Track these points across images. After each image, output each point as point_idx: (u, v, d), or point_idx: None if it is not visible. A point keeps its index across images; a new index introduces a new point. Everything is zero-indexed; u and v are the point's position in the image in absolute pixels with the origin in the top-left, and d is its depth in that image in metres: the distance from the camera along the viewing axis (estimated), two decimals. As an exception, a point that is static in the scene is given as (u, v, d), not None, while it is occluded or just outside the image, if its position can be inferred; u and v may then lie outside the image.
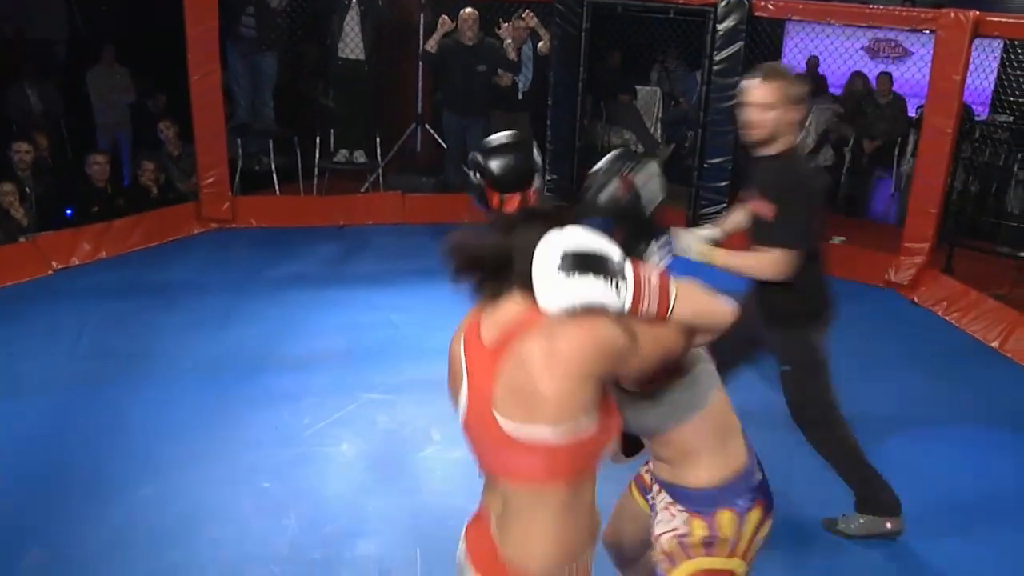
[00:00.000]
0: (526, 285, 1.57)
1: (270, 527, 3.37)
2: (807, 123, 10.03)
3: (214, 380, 4.49)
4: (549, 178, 7.65)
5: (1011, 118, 9.41)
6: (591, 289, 1.54)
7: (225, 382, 4.48)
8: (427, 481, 3.76)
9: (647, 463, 2.28)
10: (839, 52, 10.41)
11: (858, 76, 10.03)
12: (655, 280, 1.62)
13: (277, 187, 7.44)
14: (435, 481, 3.76)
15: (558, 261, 1.54)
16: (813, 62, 10.96)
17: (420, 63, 7.97)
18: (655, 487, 2.22)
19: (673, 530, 2.13)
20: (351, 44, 7.43)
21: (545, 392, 1.50)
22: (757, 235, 3.14)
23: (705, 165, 7.15)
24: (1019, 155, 8.57)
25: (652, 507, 2.23)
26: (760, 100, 3.07)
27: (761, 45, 8.24)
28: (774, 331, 3.26)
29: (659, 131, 10.49)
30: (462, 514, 3.46)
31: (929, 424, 4.44)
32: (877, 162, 9.55)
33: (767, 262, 3.03)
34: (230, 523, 3.39)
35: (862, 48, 11.61)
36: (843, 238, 7.05)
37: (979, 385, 5.02)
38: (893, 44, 11.70)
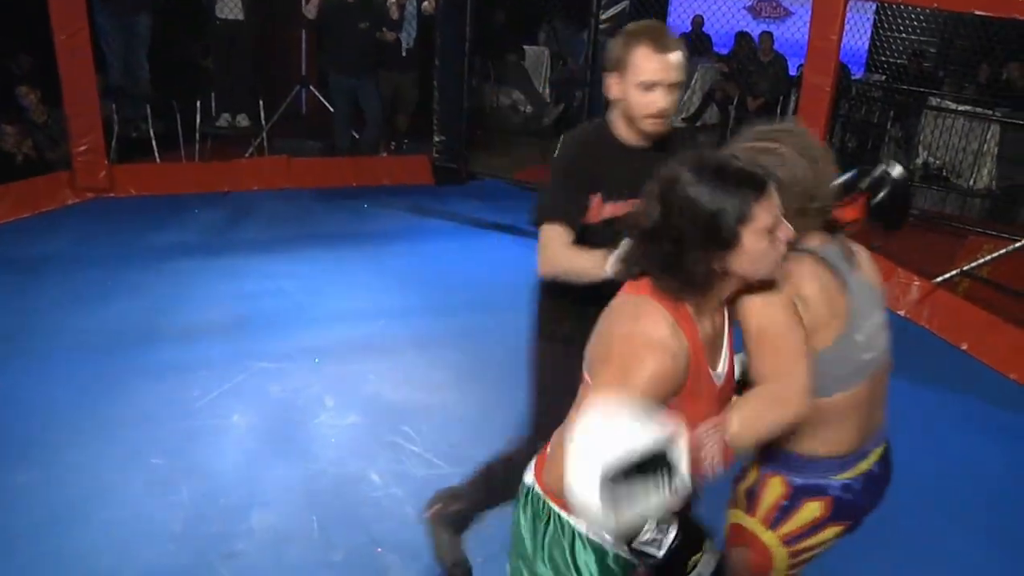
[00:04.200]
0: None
1: (162, 504, 3.27)
2: (692, 82, 10.23)
3: (96, 356, 4.32)
4: (437, 139, 7.59)
5: (884, 77, 9.80)
6: (640, 506, 1.46)
7: (108, 358, 4.32)
8: (321, 448, 3.71)
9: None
10: (723, 12, 10.64)
11: (742, 36, 10.25)
12: (710, 444, 1.65)
13: (157, 154, 7.17)
14: (329, 448, 3.72)
15: (599, 487, 1.42)
16: (698, 21, 11.18)
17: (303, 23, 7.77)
18: None
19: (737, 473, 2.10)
20: (229, 3, 7.18)
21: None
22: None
23: (594, 124, 7.18)
24: (892, 113, 8.94)
25: None
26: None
27: (647, 4, 8.32)
28: None
29: (547, 91, 10.54)
30: (358, 480, 3.48)
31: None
32: (761, 120, 9.81)
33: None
34: (120, 504, 3.27)
35: (745, 8, 11.86)
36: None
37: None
38: (774, 4, 11.99)
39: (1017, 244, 5.66)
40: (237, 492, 3.38)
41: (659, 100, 2.34)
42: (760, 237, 1.59)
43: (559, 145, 2.50)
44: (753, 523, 2.02)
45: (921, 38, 10.62)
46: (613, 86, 2.38)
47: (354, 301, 5.21)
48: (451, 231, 6.60)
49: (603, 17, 6.88)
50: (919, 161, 8.76)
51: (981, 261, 5.75)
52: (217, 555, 3.04)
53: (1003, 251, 5.70)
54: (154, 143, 7.15)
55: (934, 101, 8.60)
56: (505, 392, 4.22)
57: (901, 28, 10.15)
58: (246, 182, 7.11)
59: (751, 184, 1.59)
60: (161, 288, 5.15)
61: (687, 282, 1.63)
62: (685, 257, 1.60)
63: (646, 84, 2.32)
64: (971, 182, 8.32)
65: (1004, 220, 7.59)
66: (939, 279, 5.61)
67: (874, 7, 10.22)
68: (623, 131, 2.43)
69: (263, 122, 7.51)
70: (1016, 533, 3.48)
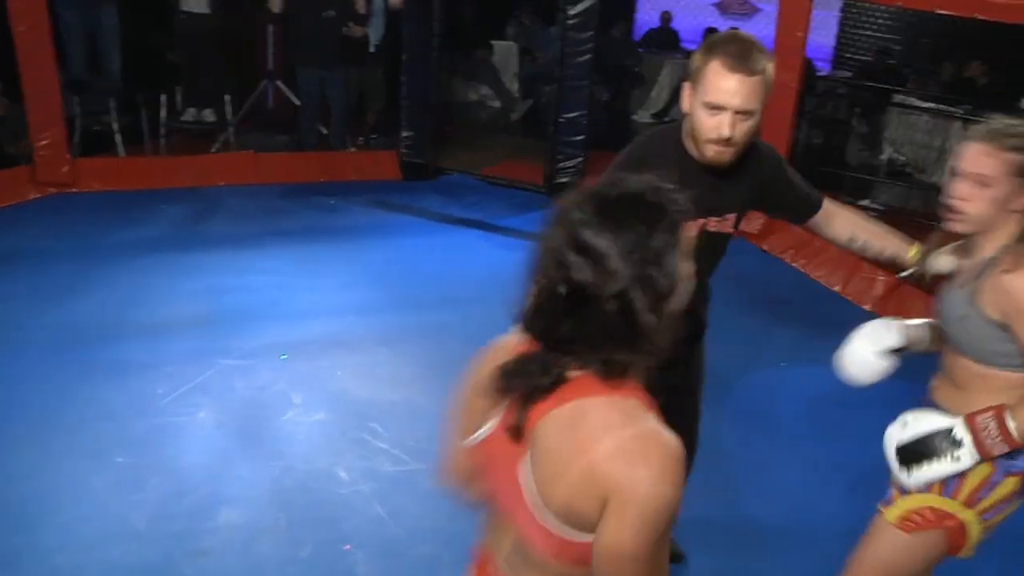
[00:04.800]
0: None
1: (126, 503, 3.24)
2: (660, 77, 10.28)
3: (60, 352, 4.26)
4: (405, 135, 7.56)
5: (850, 74, 9.90)
6: (933, 474, 1.99)
7: (72, 353, 4.26)
8: (288, 445, 3.69)
9: None
10: (691, 7, 10.70)
11: (710, 32, 10.31)
12: (994, 427, 1.91)
13: (121, 148, 7.08)
14: (297, 445, 3.70)
15: (896, 462, 2.04)
16: (667, 16, 11.23)
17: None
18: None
19: None
20: (194, -4, 7.12)
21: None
22: None
23: (561, 119, 7.18)
24: (857, 110, 9.04)
25: None
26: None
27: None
28: None
29: (516, 86, 10.53)
30: (325, 477, 3.47)
31: (774, 368, 4.66)
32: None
33: None
34: (82, 502, 3.24)
35: (713, 4, 11.93)
36: (696, 190, 7.27)
37: (821, 326, 5.27)
38: (741, 1, 12.06)
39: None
40: (203, 489, 3.36)
41: (723, 126, 2.09)
42: (689, 259, 1.26)
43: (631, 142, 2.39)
44: (953, 505, 2.05)
45: (886, 36, 10.73)
46: (685, 97, 2.18)
47: (321, 297, 5.18)
48: (419, 227, 6.58)
49: (571, 12, 6.87)
50: (884, 157, 8.86)
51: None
52: (183, 553, 3.02)
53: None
54: (118, 137, 7.06)
55: (899, 98, 8.70)
56: (473, 388, 4.23)
57: (867, 26, 10.26)
58: (212, 177, 7.05)
59: (676, 205, 1.24)
60: (125, 284, 5.09)
61: (644, 347, 1.23)
62: (636, 315, 1.20)
63: (711, 105, 2.09)
64: (935, 177, 8.41)
65: (966, 215, 7.68)
66: (903, 274, 5.67)
67: (840, 4, 10.33)
68: (690, 145, 2.23)
69: (229, 117, 7.45)
70: (1002, 530, 3.52)
